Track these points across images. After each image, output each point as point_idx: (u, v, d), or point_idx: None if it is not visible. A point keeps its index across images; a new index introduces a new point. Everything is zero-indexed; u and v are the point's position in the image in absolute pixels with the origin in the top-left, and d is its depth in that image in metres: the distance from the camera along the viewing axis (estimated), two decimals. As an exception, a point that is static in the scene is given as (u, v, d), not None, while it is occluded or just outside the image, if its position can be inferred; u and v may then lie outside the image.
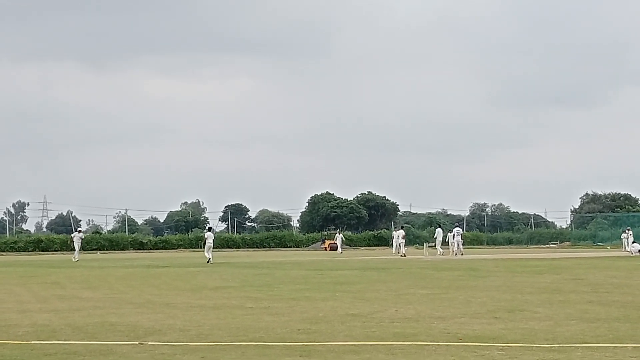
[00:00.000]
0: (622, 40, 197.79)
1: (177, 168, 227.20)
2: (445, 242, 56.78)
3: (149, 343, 11.05)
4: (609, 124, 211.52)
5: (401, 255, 52.97)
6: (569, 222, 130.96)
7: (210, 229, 53.34)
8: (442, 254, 54.35)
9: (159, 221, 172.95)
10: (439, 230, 58.92)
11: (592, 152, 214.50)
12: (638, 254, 53.14)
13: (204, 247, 47.91)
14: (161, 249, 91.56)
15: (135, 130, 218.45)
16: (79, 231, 58.36)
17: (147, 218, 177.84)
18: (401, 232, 58.26)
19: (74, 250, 53.21)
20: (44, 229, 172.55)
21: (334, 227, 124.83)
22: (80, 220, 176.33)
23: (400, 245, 56.16)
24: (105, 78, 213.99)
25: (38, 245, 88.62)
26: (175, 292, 20.95)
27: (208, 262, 43.66)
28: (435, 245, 57.88)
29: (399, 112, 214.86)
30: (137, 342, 11.13)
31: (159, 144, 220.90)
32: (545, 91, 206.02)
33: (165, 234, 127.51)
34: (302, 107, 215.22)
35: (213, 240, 48.35)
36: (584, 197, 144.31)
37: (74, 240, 54.41)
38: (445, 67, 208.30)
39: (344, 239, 76.03)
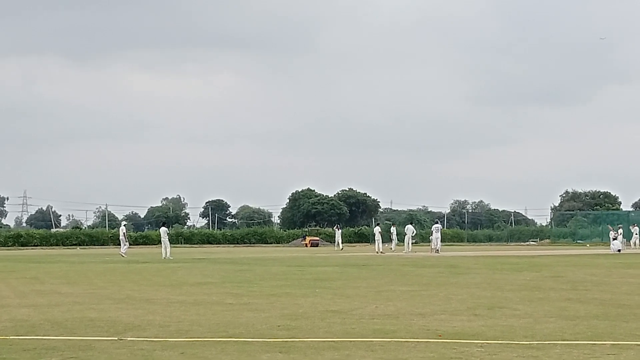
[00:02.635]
0: (604, 38, 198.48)
1: (158, 164, 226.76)
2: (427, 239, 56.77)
3: (129, 339, 11.02)
4: (591, 122, 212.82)
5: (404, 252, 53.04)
6: (549, 220, 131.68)
7: (163, 223, 52.89)
8: (393, 251, 53.81)
9: (139, 217, 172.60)
10: (409, 227, 58.30)
11: (573, 150, 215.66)
12: (618, 252, 53.40)
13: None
14: (141, 244, 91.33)
15: (116, 125, 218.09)
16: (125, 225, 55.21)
17: (128, 213, 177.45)
18: (409, 228, 57.56)
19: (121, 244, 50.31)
20: (24, 224, 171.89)
21: (314, 224, 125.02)
22: (60, 216, 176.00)
23: (408, 243, 55.66)
24: (87, 73, 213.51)
25: (17, 240, 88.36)
26: (155, 288, 20.91)
27: (164, 257, 43.75)
28: (404, 242, 57.18)
29: (381, 109, 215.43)
30: (116, 338, 11.10)
31: (141, 139, 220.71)
32: (528, 89, 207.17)
33: (146, 230, 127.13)
34: (284, 104, 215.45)
35: (167, 235, 47.82)
36: (564, 195, 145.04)
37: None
38: (428, 64, 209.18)
39: (339, 233, 74.68)
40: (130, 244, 56.78)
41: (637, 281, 22.83)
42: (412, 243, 58.16)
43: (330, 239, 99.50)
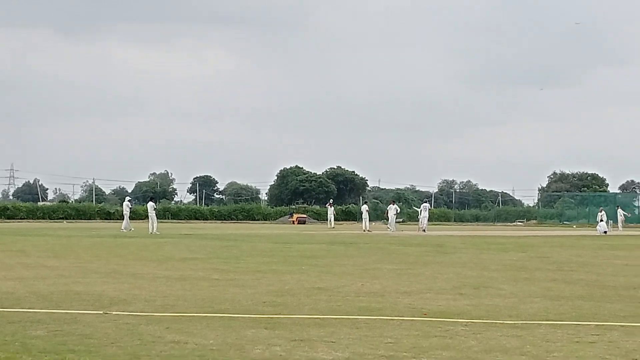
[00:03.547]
0: (596, 21, 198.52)
1: (147, 139, 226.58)
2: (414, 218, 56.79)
3: (114, 312, 11.02)
4: (580, 104, 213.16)
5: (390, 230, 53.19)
6: (536, 201, 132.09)
7: (151, 198, 52.74)
8: (368, 231, 53.85)
9: (126, 191, 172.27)
10: (391, 206, 58.24)
11: (561, 132, 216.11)
12: (604, 234, 53.57)
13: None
14: (129, 219, 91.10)
15: (106, 100, 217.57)
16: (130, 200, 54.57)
17: (115, 188, 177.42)
18: (392, 207, 57.52)
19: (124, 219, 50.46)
20: (11, 197, 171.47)
21: (302, 201, 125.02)
22: (47, 189, 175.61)
23: (424, 219, 55.72)
24: (77, 47, 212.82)
25: (4, 212, 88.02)
26: (142, 263, 20.90)
27: (150, 233, 43.89)
28: (388, 221, 57.14)
29: (372, 88, 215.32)
30: (101, 312, 11.09)
31: (130, 114, 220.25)
32: (518, 71, 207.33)
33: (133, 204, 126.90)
34: (275, 82, 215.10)
35: (154, 210, 47.83)
36: (552, 176, 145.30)
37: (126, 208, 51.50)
38: (420, 45, 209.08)
39: (334, 212, 74.06)
40: (117, 218, 56.51)
41: (622, 263, 22.91)
42: (397, 222, 58.10)
43: (318, 216, 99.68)
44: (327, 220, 71.87)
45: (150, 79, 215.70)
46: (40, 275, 16.89)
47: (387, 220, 57.31)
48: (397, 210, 58.13)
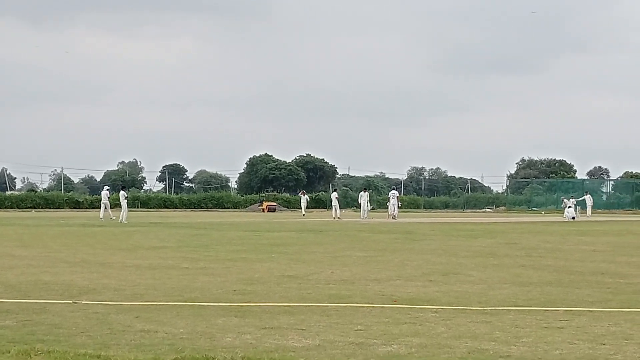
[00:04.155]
0: (561, 8, 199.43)
1: (115, 127, 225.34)
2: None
3: (83, 302, 10.96)
4: (547, 90, 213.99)
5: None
6: (505, 187, 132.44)
7: (122, 187, 52.66)
8: (339, 218, 54.03)
9: (95, 180, 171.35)
10: (362, 194, 58.28)
11: (529, 118, 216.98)
12: (572, 220, 53.95)
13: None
14: (97, 208, 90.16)
15: (73, 88, 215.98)
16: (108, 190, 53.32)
17: (84, 177, 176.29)
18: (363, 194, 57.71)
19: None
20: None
21: (271, 189, 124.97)
22: (15, 178, 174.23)
23: (394, 207, 55.93)
24: (44, 35, 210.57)
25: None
26: (111, 252, 20.82)
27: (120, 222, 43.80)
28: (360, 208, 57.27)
29: (340, 75, 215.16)
30: (70, 301, 11.04)
31: (98, 102, 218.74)
32: (486, 58, 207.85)
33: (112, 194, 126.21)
34: (243, 69, 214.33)
35: (126, 198, 47.72)
36: (520, 163, 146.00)
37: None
38: (388, 32, 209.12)
39: (308, 199, 73.73)
40: (86, 207, 56.26)
41: (590, 248, 23.09)
42: (369, 209, 58.26)
43: (288, 204, 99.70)
44: (300, 208, 71.79)
45: (118, 67, 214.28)
46: (8, 265, 16.78)
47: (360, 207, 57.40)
48: (368, 197, 58.24)
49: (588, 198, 68.40)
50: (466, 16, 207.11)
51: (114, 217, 47.34)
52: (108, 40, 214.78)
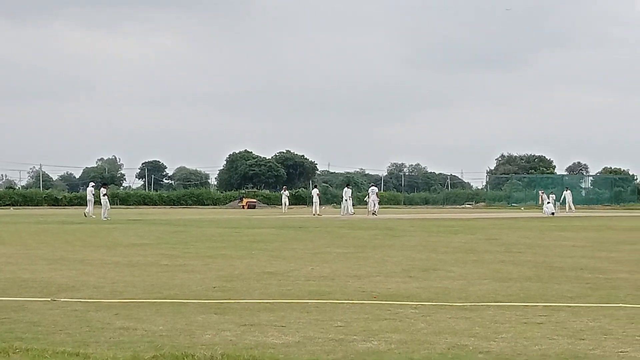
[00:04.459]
0: (541, 3, 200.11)
1: (94, 123, 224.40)
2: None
3: (62, 299, 10.92)
4: (527, 86, 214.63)
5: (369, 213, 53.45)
6: (484, 183, 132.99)
7: (104, 184, 52.53)
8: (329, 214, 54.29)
9: (74, 177, 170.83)
10: (347, 190, 58.49)
11: (509, 114, 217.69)
12: (551, 215, 54.14)
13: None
14: (76, 205, 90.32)
15: (52, 84, 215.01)
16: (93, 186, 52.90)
17: (63, 174, 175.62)
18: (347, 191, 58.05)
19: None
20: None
21: (251, 186, 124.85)
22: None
23: (374, 203, 55.98)
24: (24, 31, 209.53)
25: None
26: (90, 249, 20.74)
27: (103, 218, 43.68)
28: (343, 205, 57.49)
29: (321, 71, 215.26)
30: (49, 299, 10.99)
31: (77, 99, 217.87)
32: (466, 53, 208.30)
33: (81, 190, 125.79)
34: (223, 65, 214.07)
35: (93, 195, 47.58)
36: (500, 159, 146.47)
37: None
38: (369, 27, 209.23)
39: (289, 196, 73.64)
40: (65, 205, 55.79)
41: (569, 244, 23.16)
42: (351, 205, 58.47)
43: (268, 200, 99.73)
44: (281, 204, 71.72)
45: (97, 64, 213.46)
46: (-14, 262, 16.68)
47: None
48: (350, 193, 58.43)
49: (568, 194, 68.72)
50: (447, 12, 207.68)
51: (94, 216, 46.95)
52: (87, 37, 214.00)
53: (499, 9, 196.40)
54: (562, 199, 67.90)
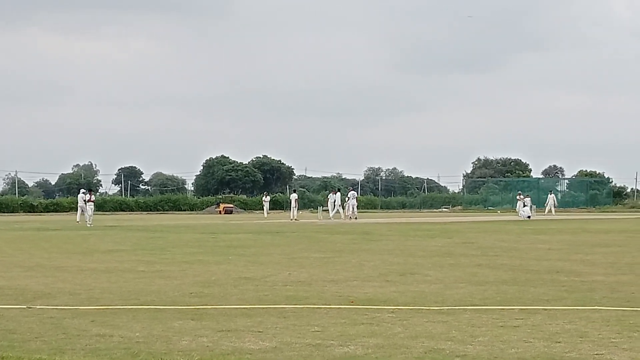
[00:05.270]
0: (519, 7, 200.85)
1: (70, 129, 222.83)
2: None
3: (38, 307, 10.87)
4: (503, 89, 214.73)
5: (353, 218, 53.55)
6: (461, 187, 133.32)
7: (89, 190, 52.38)
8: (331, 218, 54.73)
9: (50, 183, 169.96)
10: (332, 195, 58.90)
11: (485, 117, 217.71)
12: (527, 219, 54.36)
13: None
14: (52, 211, 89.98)
15: (27, 89, 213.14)
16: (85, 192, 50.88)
17: (38, 180, 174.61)
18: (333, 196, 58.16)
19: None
20: None
21: (228, 191, 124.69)
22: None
23: (352, 207, 56.13)
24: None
25: None
26: (66, 256, 20.66)
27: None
28: (330, 210, 57.90)
29: (298, 74, 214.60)
30: (25, 306, 10.94)
31: (52, 103, 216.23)
32: (444, 56, 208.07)
33: (57, 197, 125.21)
34: (200, 69, 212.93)
35: (84, 202, 47.34)
36: (476, 162, 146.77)
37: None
38: (347, 30, 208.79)
39: (268, 200, 73.43)
40: (41, 211, 55.32)
41: (545, 247, 23.27)
42: (325, 210, 58.71)
43: (245, 206, 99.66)
44: (262, 210, 71.76)
45: (73, 68, 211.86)
46: (-39, 270, 16.59)
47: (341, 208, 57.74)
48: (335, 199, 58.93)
49: (551, 197, 69.57)
50: (424, 15, 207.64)
51: (79, 221, 46.63)
52: (64, 40, 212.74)
53: (477, 12, 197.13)
54: (547, 202, 69.00)
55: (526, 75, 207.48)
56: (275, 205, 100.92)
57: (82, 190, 52.50)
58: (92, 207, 46.83)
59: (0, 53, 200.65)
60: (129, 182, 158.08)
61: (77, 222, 47.18)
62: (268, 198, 71.60)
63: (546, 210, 68.06)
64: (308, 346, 8.05)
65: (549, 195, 71.65)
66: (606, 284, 13.52)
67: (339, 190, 62.70)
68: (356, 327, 9.11)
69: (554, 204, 70.91)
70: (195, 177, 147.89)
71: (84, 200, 46.97)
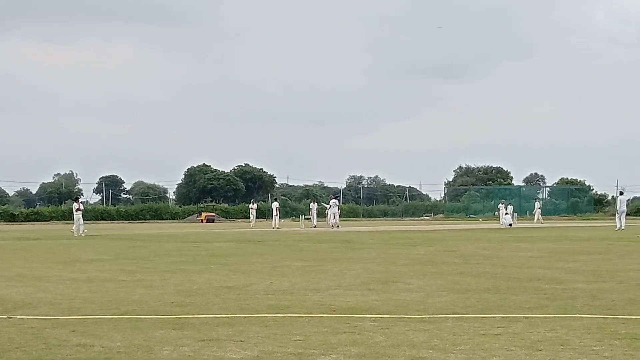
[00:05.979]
0: (501, 14, 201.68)
1: (51, 137, 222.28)
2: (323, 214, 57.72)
3: (18, 317, 10.82)
4: (484, 97, 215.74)
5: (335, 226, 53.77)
6: (443, 195, 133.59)
7: (76, 199, 52.21)
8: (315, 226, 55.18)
9: (31, 193, 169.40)
10: (312, 204, 59.85)
11: (467, 125, 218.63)
12: (509, 226, 54.53)
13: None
14: (33, 221, 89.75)
15: (8, 97, 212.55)
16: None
17: (19, 189, 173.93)
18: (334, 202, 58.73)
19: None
20: None
21: (210, 199, 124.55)
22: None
23: (334, 215, 56.39)
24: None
25: None
26: (47, 265, 20.57)
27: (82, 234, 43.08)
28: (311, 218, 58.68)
29: (280, 82, 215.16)
30: (5, 316, 10.88)
31: (33, 112, 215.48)
32: (424, 64, 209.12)
33: (38, 206, 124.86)
34: (181, 77, 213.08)
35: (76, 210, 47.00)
36: (458, 170, 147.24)
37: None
38: (328, 37, 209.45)
39: (255, 209, 73.32)
40: (22, 221, 54.96)
41: (527, 255, 23.33)
42: (307, 218, 59.21)
43: (227, 214, 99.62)
44: (249, 218, 71.85)
45: (54, 76, 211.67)
46: (-59, 280, 16.49)
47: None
48: (317, 206, 59.56)
49: (538, 205, 70.29)
50: (405, 23, 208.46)
51: (74, 231, 46.23)
52: (44, 49, 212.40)
53: (458, 19, 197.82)
54: (535, 210, 69.71)
55: (507, 82, 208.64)
56: (257, 214, 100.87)
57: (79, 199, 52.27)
58: (80, 216, 45.90)
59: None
60: (110, 191, 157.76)
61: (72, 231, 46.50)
62: (255, 206, 70.68)
63: (535, 219, 68.41)
64: (290, 355, 8.04)
65: (535, 203, 72.10)
66: (587, 291, 13.56)
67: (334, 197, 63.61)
68: (338, 336, 9.10)
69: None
70: (176, 185, 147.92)
71: (75, 209, 46.32)
